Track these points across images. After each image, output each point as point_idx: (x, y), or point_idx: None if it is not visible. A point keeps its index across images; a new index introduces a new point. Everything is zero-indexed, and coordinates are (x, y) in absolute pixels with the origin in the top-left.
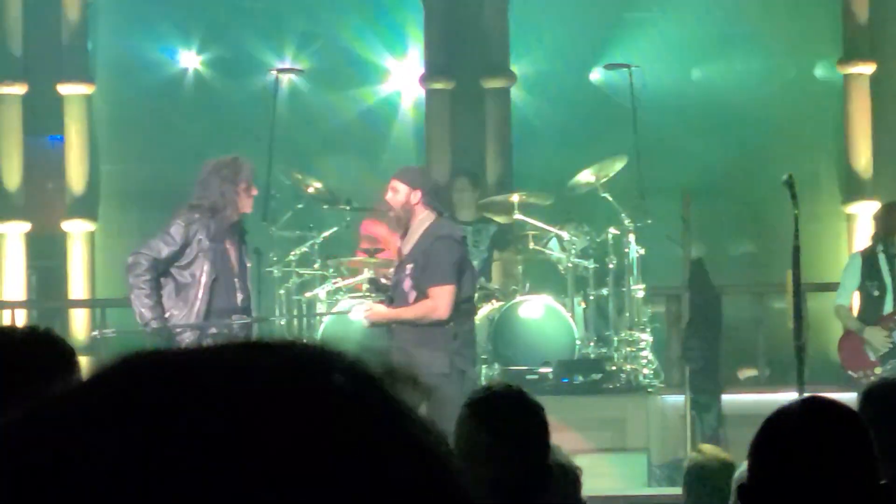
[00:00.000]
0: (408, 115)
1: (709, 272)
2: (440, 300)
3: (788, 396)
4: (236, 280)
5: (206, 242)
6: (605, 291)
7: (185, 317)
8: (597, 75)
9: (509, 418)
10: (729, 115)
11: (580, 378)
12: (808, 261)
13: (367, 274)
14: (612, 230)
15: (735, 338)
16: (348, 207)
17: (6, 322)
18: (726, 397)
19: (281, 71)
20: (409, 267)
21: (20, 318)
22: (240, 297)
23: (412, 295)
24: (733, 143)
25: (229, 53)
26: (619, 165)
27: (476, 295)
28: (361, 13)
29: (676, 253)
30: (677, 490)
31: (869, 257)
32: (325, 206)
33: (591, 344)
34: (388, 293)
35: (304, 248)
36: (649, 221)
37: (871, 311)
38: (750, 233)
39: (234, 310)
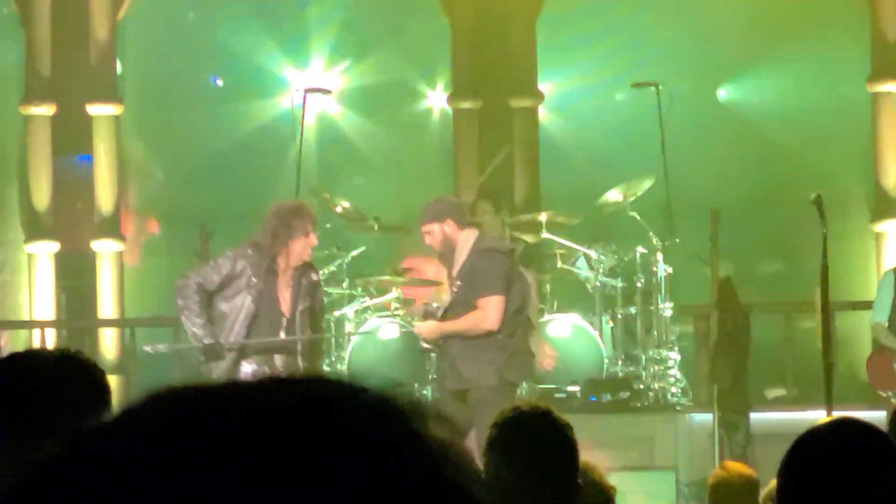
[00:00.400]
0: (435, 134)
1: (737, 291)
2: (489, 311)
3: (817, 415)
4: (284, 320)
5: (252, 280)
6: (633, 310)
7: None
8: (624, 94)
9: (538, 439)
10: (757, 133)
11: (608, 396)
12: (836, 279)
13: (396, 293)
14: (640, 249)
15: (763, 356)
16: (376, 227)
17: (36, 341)
18: (754, 416)
19: (309, 90)
20: (458, 284)
21: (49, 338)
22: (282, 336)
23: (461, 310)
24: (761, 161)
25: (257, 72)
26: (646, 184)
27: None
28: (389, 33)
29: (704, 271)
30: None
31: None
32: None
33: (619, 362)
34: (439, 318)
35: (332, 268)
36: (677, 240)
37: None
38: (778, 251)
39: (273, 348)
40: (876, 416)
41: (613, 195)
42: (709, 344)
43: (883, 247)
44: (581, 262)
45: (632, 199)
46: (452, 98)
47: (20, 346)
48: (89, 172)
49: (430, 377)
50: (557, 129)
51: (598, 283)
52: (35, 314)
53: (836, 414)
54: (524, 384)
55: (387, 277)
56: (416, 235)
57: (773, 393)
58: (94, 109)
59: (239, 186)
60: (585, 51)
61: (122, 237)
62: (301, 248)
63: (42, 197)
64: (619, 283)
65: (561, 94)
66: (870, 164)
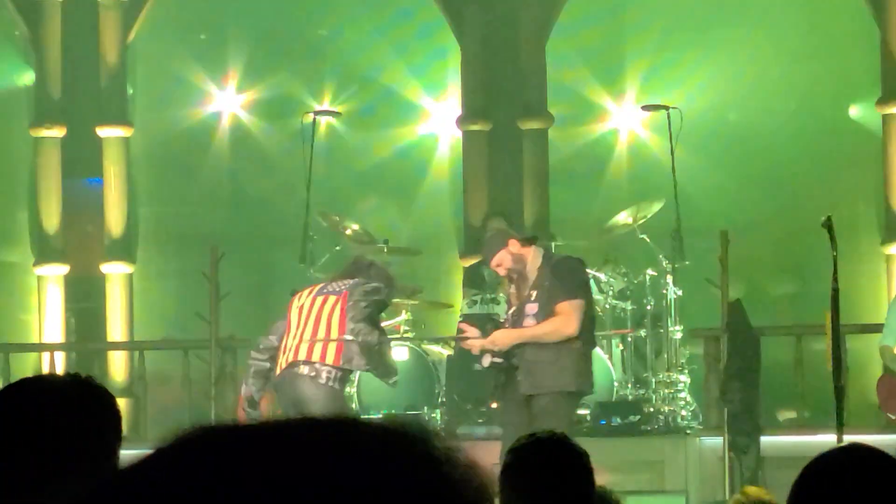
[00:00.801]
0: (445, 156)
1: (747, 313)
2: (569, 315)
3: (828, 438)
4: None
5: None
6: (642, 333)
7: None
8: (634, 116)
9: (553, 465)
10: (767, 156)
11: (618, 420)
12: (847, 302)
13: (405, 315)
14: (650, 271)
15: (774, 379)
16: (385, 249)
17: (45, 363)
18: (765, 439)
19: (318, 113)
20: (534, 294)
21: (59, 360)
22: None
23: (538, 320)
24: (771, 184)
25: (267, 96)
26: (656, 207)
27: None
28: (399, 55)
29: (714, 294)
30: None
31: None
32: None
33: (629, 385)
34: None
35: None
36: (687, 263)
37: None
38: (789, 273)
39: (292, 364)
40: (887, 440)
41: (623, 217)
42: (719, 367)
43: (894, 269)
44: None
45: (641, 221)
46: (462, 120)
47: (29, 369)
48: (99, 195)
49: (439, 399)
50: (567, 151)
51: (607, 306)
52: (44, 337)
53: (847, 437)
54: None
55: (397, 300)
56: (424, 257)
57: (784, 416)
58: (104, 132)
59: (248, 209)
60: (595, 72)
61: (131, 260)
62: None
63: (52, 219)
64: (628, 306)
65: (571, 116)
66: (880, 186)
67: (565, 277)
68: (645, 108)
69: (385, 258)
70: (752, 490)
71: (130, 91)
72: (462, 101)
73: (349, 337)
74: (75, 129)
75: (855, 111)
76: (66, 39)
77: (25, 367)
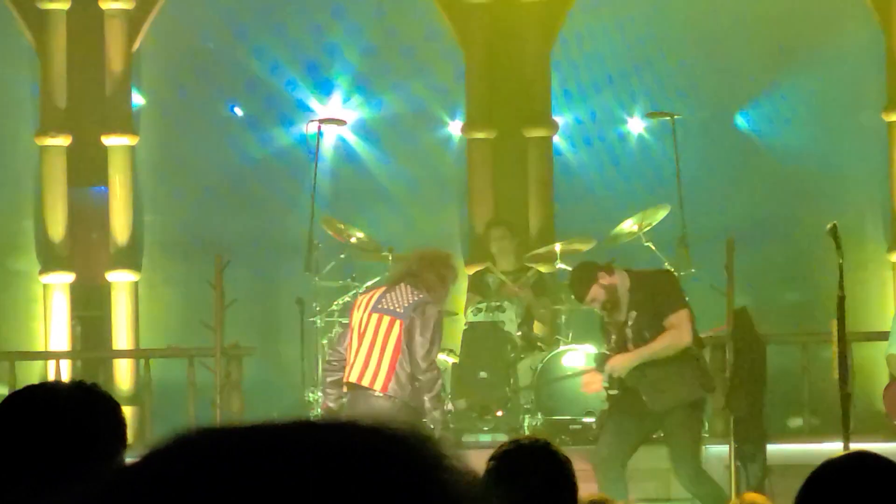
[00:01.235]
0: (450, 164)
1: (753, 321)
2: (681, 326)
3: (834, 446)
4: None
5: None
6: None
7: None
8: (639, 124)
9: (535, 472)
10: (772, 163)
11: None
12: (853, 309)
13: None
14: None
15: (780, 387)
16: (391, 257)
17: (51, 372)
18: (771, 447)
19: (323, 121)
20: (634, 315)
21: (64, 369)
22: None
23: (644, 341)
24: (777, 191)
25: (272, 103)
26: (661, 214)
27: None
28: (403, 63)
29: (720, 302)
30: None
31: None
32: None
33: None
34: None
35: (346, 298)
36: (693, 270)
37: None
38: (795, 281)
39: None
40: (894, 448)
41: (628, 225)
42: (725, 374)
43: None
44: None
45: (647, 228)
46: (467, 128)
47: (35, 377)
48: (104, 203)
49: (445, 407)
50: (572, 159)
51: None
52: (50, 345)
53: (854, 445)
54: (539, 415)
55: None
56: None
57: (791, 423)
58: (109, 140)
59: (254, 217)
60: (600, 80)
61: (137, 268)
62: None
63: (57, 228)
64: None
65: (576, 124)
66: (886, 193)
67: (665, 291)
68: (650, 115)
69: (390, 266)
70: (752, 496)
71: (136, 99)
72: (467, 108)
73: (426, 405)
74: (81, 137)
75: (861, 119)
76: (72, 48)
77: (31, 374)
